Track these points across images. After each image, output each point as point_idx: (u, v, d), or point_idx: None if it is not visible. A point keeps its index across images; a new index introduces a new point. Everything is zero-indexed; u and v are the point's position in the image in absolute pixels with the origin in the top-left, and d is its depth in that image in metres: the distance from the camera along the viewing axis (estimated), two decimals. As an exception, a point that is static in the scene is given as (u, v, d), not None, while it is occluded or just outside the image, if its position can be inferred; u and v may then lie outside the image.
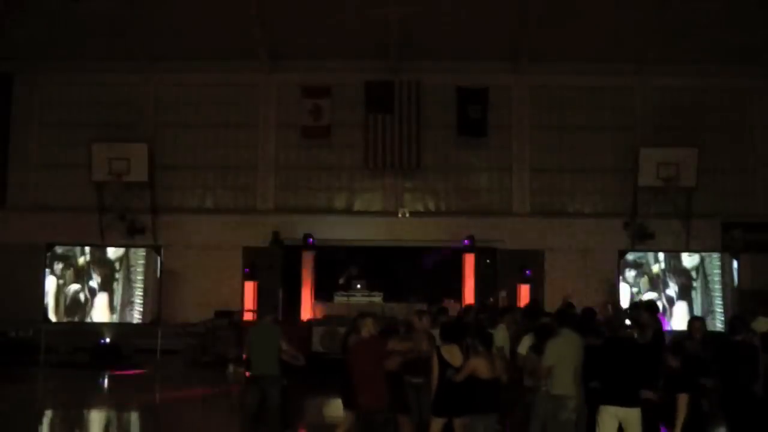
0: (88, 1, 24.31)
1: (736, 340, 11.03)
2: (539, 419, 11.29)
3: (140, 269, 25.52)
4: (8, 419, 16.07)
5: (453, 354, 10.58)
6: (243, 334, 22.08)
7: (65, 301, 25.39)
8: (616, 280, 25.28)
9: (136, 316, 25.39)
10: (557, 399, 10.99)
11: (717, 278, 25.16)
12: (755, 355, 10.94)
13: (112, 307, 25.38)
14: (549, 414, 11.11)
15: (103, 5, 24.53)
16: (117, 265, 25.53)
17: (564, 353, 11.04)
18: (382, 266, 25.66)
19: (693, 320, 13.08)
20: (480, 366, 10.27)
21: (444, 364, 10.56)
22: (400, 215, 26.64)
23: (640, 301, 20.78)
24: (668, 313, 24.61)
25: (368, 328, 10.69)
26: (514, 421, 12.36)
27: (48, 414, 17.48)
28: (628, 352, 10.26)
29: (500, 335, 13.04)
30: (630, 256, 25.37)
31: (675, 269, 25.23)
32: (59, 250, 25.45)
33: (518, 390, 11.95)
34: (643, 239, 26.01)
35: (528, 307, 17.02)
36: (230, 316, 24.63)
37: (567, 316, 12.00)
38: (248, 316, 24.50)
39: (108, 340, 25.06)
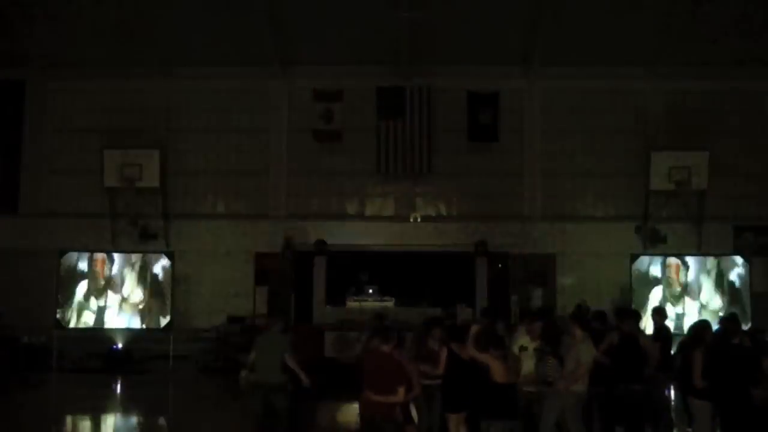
0: (100, 8, 24.43)
1: (731, 343, 10.97)
2: (554, 414, 11.46)
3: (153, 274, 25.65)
4: (20, 424, 16.15)
5: (462, 349, 10.67)
6: (254, 339, 22.30)
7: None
8: (628, 283, 25.28)
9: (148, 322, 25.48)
10: (577, 395, 11.24)
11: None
12: (750, 357, 10.86)
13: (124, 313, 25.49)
14: (566, 407, 11.32)
15: (115, 12, 24.61)
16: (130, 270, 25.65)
17: (585, 354, 11.30)
18: (394, 271, 25.61)
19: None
20: (496, 369, 10.28)
21: (454, 359, 10.62)
22: (411, 220, 26.64)
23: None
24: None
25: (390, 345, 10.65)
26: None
27: (60, 419, 17.53)
28: None
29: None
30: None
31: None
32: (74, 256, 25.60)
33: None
34: (655, 243, 25.94)
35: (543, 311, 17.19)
36: (242, 322, 24.67)
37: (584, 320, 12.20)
38: (260, 322, 24.54)
39: (120, 345, 25.13)
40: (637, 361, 11.97)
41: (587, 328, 12.04)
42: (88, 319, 25.40)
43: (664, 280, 25.29)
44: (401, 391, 10.03)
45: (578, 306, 15.83)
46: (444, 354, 11.00)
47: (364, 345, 12.24)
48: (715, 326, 13.68)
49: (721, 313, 22.84)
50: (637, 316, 14.26)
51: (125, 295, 25.59)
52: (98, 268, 25.67)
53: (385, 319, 12.80)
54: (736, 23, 24.58)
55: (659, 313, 15.18)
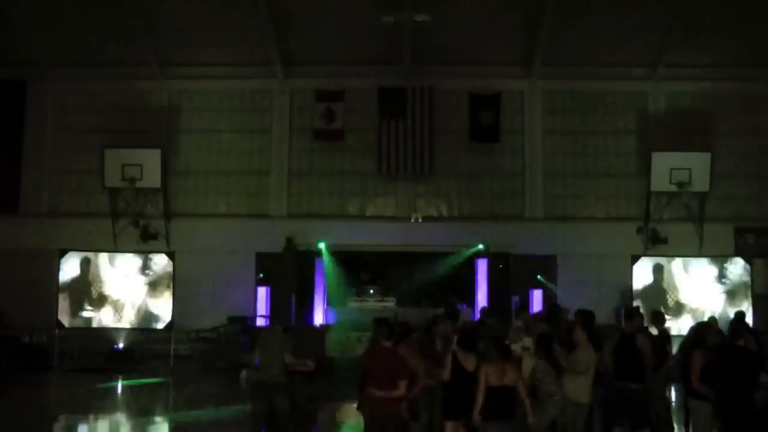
0: (101, 8, 24.44)
1: (737, 344, 10.94)
2: (546, 420, 11.47)
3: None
4: (21, 424, 16.15)
5: (468, 360, 10.64)
6: (256, 340, 22.29)
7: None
8: (629, 284, 25.31)
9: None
10: (578, 405, 11.23)
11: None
12: (753, 359, 10.84)
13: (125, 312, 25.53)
14: (567, 418, 11.32)
15: (116, 12, 24.61)
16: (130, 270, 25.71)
17: (587, 357, 11.33)
18: (395, 271, 25.61)
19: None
20: (489, 373, 10.28)
21: (459, 369, 10.60)
22: (412, 220, 26.63)
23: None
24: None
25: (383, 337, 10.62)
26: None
27: (60, 419, 17.54)
28: None
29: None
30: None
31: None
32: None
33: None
34: (656, 244, 25.93)
35: (548, 311, 17.14)
36: (243, 322, 24.67)
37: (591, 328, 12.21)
38: (261, 322, 24.59)
39: (121, 345, 25.15)
40: (634, 360, 11.96)
41: (590, 332, 12.02)
42: (89, 318, 25.42)
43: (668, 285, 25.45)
44: (402, 385, 9.96)
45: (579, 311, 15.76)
46: (449, 362, 10.98)
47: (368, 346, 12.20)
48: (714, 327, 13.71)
49: (717, 315, 22.93)
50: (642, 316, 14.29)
51: (126, 295, 25.61)
52: (99, 267, 25.72)
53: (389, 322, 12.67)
54: (738, 25, 24.56)
55: (658, 316, 15.19)
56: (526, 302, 24.47)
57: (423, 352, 11.65)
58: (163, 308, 25.69)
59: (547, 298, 24.94)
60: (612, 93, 27.09)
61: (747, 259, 25.44)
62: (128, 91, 27.40)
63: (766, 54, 25.62)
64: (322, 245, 25.64)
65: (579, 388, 11.37)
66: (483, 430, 10.34)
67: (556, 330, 12.88)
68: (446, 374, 10.83)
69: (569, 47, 25.74)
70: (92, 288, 25.94)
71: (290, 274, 25.74)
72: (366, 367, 10.50)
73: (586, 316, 12.64)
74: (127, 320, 25.68)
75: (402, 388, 9.97)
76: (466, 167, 27.14)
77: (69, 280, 26.05)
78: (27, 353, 24.46)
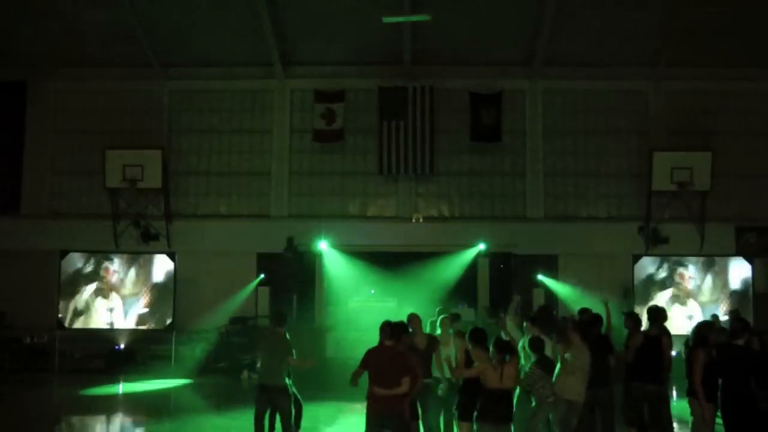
0: (101, 8, 24.45)
1: (736, 344, 10.95)
2: (541, 421, 11.52)
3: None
4: (21, 425, 16.16)
5: (480, 357, 10.66)
6: (257, 340, 22.29)
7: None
8: (629, 284, 25.28)
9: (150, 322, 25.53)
10: (570, 403, 11.26)
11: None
12: (754, 359, 10.84)
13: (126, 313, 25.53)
14: (560, 416, 11.37)
15: (116, 12, 24.61)
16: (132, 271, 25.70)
17: (580, 359, 11.33)
18: (396, 271, 25.57)
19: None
20: (488, 374, 10.26)
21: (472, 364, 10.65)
22: (413, 220, 26.63)
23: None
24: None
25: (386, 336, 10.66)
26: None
27: (61, 419, 17.54)
28: None
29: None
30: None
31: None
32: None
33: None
34: (657, 243, 25.91)
35: (540, 312, 17.13)
36: (244, 322, 24.66)
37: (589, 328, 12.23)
38: (263, 322, 24.58)
39: (122, 346, 25.14)
40: (657, 362, 11.98)
41: (589, 334, 12.02)
42: (90, 319, 25.42)
43: (670, 283, 25.38)
44: (405, 381, 9.99)
45: (581, 311, 15.73)
46: (463, 362, 11.00)
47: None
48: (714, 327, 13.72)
49: (719, 314, 22.96)
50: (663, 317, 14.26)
51: (127, 296, 25.61)
52: (100, 268, 25.71)
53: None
54: (738, 25, 24.54)
55: (659, 314, 15.16)
56: (528, 302, 24.47)
57: (412, 348, 11.72)
58: (163, 309, 25.59)
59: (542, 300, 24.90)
60: (612, 93, 27.07)
61: (748, 259, 25.40)
62: (128, 91, 27.41)
63: (766, 54, 25.62)
64: (323, 245, 25.61)
65: (571, 387, 11.41)
66: (479, 430, 10.36)
67: (549, 331, 12.91)
68: (458, 372, 10.91)
69: (569, 47, 25.74)
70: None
71: (291, 275, 25.70)
72: (369, 367, 10.51)
73: (585, 318, 12.67)
74: (128, 321, 25.62)
75: (405, 385, 10.01)
76: (467, 167, 27.13)
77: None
78: (28, 354, 24.49)
